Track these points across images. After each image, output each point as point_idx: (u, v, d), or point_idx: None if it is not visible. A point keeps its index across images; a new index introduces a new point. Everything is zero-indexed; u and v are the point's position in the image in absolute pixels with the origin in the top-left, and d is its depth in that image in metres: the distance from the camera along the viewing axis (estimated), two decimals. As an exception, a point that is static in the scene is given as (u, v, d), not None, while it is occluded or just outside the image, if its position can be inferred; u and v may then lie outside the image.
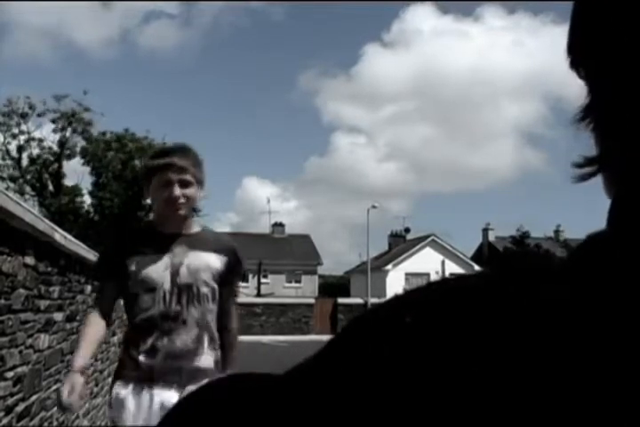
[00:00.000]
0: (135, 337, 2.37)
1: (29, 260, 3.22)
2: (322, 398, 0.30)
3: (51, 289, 3.78)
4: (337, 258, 76.10)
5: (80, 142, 29.38)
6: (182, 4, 67.31)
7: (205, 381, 0.49)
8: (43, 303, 3.57)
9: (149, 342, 2.33)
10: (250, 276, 41.10)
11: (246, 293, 35.55)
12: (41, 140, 28.75)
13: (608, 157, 0.36)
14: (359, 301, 25.74)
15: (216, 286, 2.44)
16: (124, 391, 2.34)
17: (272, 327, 23.64)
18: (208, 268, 2.43)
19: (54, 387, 3.82)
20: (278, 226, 46.93)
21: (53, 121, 28.54)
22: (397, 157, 74.82)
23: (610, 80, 0.35)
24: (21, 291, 3.08)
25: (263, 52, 73.47)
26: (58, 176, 29.36)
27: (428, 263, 37.19)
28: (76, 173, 30.79)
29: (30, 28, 57.54)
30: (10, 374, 2.92)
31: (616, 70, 0.34)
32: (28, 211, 3.03)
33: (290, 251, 43.42)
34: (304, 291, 40.67)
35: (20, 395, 3.10)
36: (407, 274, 37.89)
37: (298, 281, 43.31)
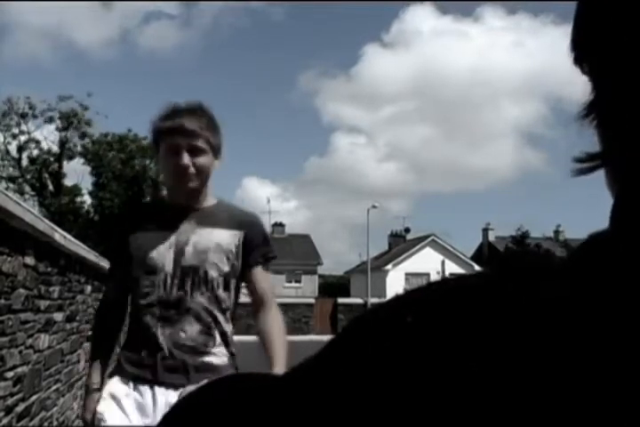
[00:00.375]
0: (136, 328, 2.05)
1: (29, 260, 3.22)
2: (322, 398, 0.30)
3: (51, 289, 3.78)
4: (337, 258, 76.19)
5: (80, 142, 29.41)
6: (182, 4, 67.39)
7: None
8: (43, 303, 3.57)
9: (150, 333, 2.00)
10: (250, 276, 41.07)
11: (246, 293, 35.54)
12: (37, 142, 28.76)
13: (611, 153, 0.36)
14: (359, 301, 25.75)
15: (229, 269, 2.06)
16: (124, 390, 2.01)
17: (272, 327, 23.64)
18: (219, 248, 2.05)
19: (54, 387, 3.82)
20: (278, 226, 46.95)
21: (52, 119, 28.56)
22: (397, 157, 74.88)
23: (613, 76, 0.35)
24: (21, 291, 3.08)
25: (263, 53, 73.57)
26: (58, 176, 29.38)
27: (428, 263, 37.21)
28: (76, 173, 30.84)
29: (30, 29, 57.61)
30: (10, 374, 2.92)
31: (619, 66, 0.34)
32: (28, 211, 3.03)
33: (290, 251, 43.45)
34: (304, 291, 40.70)
35: (20, 395, 3.10)
36: (407, 274, 37.91)
37: (298, 281, 43.35)
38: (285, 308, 24.46)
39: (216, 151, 2.07)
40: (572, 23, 0.38)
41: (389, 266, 39.37)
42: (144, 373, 1.99)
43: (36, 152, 29.15)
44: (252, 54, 72.76)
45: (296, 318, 24.56)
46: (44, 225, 3.39)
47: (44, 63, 60.43)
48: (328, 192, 75.63)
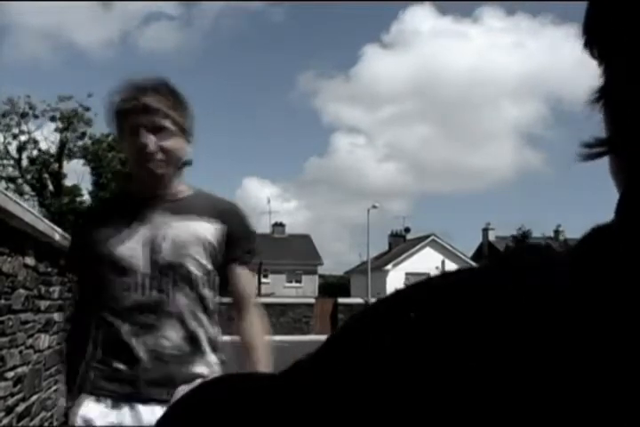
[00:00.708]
0: (109, 338, 1.76)
1: (29, 260, 3.22)
2: (322, 398, 0.30)
3: (51, 289, 3.78)
4: (337, 258, 76.14)
5: (80, 143, 29.42)
6: (182, 5, 67.38)
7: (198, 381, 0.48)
8: (43, 304, 3.57)
9: (126, 343, 1.74)
10: (250, 276, 41.08)
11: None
12: (36, 142, 28.76)
13: (618, 139, 0.36)
14: (359, 300, 25.73)
15: (211, 265, 1.82)
16: (96, 411, 1.72)
17: (272, 327, 23.49)
18: (199, 241, 1.80)
19: (54, 387, 3.82)
20: (278, 226, 46.96)
21: (54, 119, 28.57)
22: (397, 157, 74.88)
23: (624, 60, 0.34)
24: (21, 291, 3.08)
25: (263, 53, 73.54)
26: (58, 176, 29.37)
27: (429, 263, 37.18)
28: (76, 173, 30.82)
29: (30, 30, 57.61)
30: (10, 375, 2.92)
31: (631, 50, 0.34)
32: (28, 211, 3.03)
33: (290, 251, 43.44)
34: (304, 291, 40.68)
35: (20, 395, 3.10)
36: (407, 274, 37.88)
37: (298, 281, 43.35)
38: (286, 308, 24.44)
39: (186, 133, 1.81)
40: (586, 6, 0.38)
41: (389, 266, 39.38)
42: (123, 389, 1.73)
43: (35, 152, 29.16)
44: (252, 55, 72.74)
45: (296, 317, 24.55)
46: (44, 225, 3.39)
47: (44, 64, 60.42)
48: (328, 192, 75.62)
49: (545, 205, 70.27)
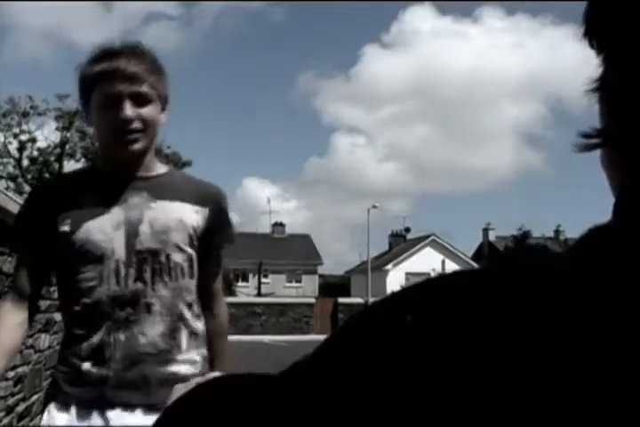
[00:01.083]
0: (76, 335, 1.56)
1: (30, 260, 3.22)
2: (321, 398, 0.30)
3: (51, 289, 3.78)
4: (337, 258, 76.20)
5: (81, 143, 29.41)
6: (182, 5, 67.37)
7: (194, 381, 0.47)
8: (43, 303, 3.57)
9: (97, 340, 1.53)
10: (250, 276, 41.16)
11: (246, 292, 35.59)
12: (34, 140, 28.75)
13: (614, 129, 0.36)
14: (359, 300, 25.72)
15: (194, 252, 1.63)
16: (64, 419, 1.53)
17: (272, 327, 23.62)
18: (182, 225, 1.60)
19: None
20: (279, 226, 46.98)
21: (58, 118, 28.57)
22: (397, 157, 74.88)
23: (623, 50, 0.34)
24: (22, 291, 3.08)
25: (263, 53, 73.58)
26: (58, 176, 29.39)
27: (429, 263, 37.18)
28: (77, 173, 30.81)
29: (31, 30, 57.64)
30: (10, 374, 2.92)
31: (630, 41, 0.34)
32: (29, 211, 3.02)
33: (290, 251, 43.44)
34: (304, 291, 40.68)
35: (20, 395, 3.10)
36: (407, 274, 37.88)
37: (298, 281, 43.35)
38: (285, 308, 24.43)
39: (163, 101, 1.63)
40: None
41: (390, 266, 39.38)
42: (90, 393, 1.53)
43: (36, 152, 29.17)
44: (252, 55, 72.76)
45: (296, 317, 24.54)
46: (45, 225, 3.38)
47: (44, 64, 60.45)
48: (328, 192, 75.68)
49: (545, 205, 70.33)
